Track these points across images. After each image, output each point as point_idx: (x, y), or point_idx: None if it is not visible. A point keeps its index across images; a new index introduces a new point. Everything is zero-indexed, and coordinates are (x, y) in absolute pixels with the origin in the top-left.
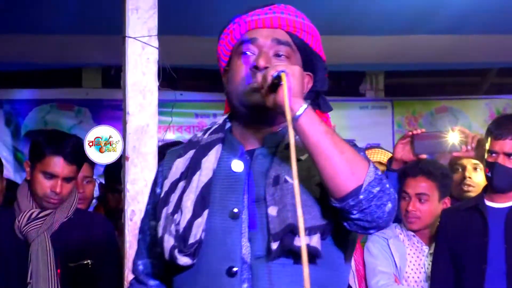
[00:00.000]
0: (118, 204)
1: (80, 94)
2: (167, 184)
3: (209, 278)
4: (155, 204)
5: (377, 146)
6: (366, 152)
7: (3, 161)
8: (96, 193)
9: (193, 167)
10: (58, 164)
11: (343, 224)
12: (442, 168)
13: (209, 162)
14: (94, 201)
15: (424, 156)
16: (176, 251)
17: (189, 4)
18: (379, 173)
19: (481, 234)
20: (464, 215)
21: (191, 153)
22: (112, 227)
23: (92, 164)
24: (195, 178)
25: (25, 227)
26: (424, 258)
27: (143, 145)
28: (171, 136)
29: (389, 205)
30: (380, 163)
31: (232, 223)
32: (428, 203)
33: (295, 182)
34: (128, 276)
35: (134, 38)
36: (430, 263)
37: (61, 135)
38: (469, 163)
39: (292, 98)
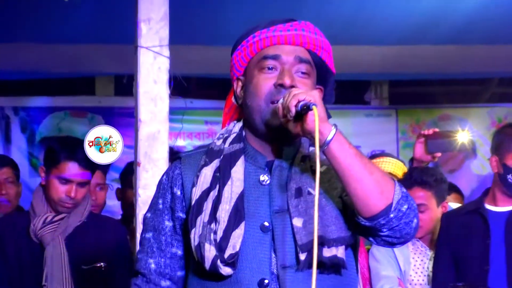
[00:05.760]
0: None
1: (93, 101)
2: (197, 192)
3: None
4: (174, 205)
5: (382, 153)
6: (375, 160)
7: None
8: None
9: (223, 177)
10: (73, 169)
11: (369, 239)
12: (436, 174)
13: (239, 173)
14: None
15: (438, 154)
16: (218, 260)
17: (200, 14)
18: (404, 190)
19: (483, 237)
20: (465, 219)
21: (216, 162)
22: (125, 231)
23: (105, 171)
24: (227, 188)
25: (40, 231)
26: (427, 261)
27: (154, 151)
28: (181, 142)
29: (415, 220)
30: (390, 173)
31: (263, 236)
32: (428, 212)
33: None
34: None
35: (146, 48)
36: None
37: (75, 141)
38: None
39: (321, 124)
